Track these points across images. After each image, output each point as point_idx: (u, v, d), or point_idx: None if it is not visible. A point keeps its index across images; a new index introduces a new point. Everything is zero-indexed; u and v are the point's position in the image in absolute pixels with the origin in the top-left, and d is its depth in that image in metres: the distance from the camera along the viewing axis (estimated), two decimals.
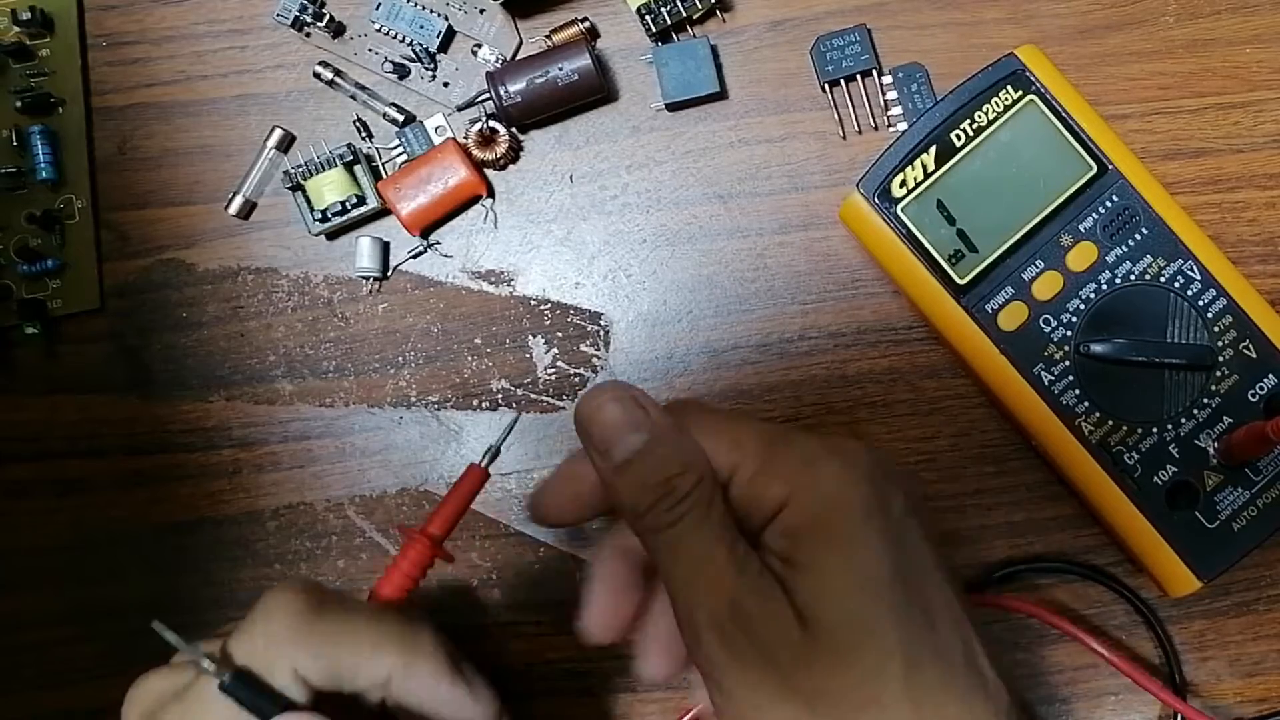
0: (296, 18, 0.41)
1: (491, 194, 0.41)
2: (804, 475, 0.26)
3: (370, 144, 0.41)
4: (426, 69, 0.41)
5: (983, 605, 0.38)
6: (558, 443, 0.40)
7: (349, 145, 0.40)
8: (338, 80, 0.41)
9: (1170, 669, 0.38)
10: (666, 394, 0.40)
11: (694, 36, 0.41)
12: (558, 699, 0.39)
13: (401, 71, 0.41)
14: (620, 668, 0.39)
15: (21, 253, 0.40)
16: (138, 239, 0.42)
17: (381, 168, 0.41)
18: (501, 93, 0.39)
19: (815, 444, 0.27)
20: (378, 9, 0.41)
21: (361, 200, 0.40)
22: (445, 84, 0.42)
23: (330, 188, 0.40)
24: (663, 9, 0.40)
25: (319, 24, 0.41)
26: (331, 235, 0.41)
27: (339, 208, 0.40)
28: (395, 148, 0.41)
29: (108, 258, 0.42)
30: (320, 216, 0.40)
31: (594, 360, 0.41)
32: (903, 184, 0.36)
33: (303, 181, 0.40)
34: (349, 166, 0.40)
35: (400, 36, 0.41)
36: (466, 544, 0.40)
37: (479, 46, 0.42)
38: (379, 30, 0.41)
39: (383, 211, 0.41)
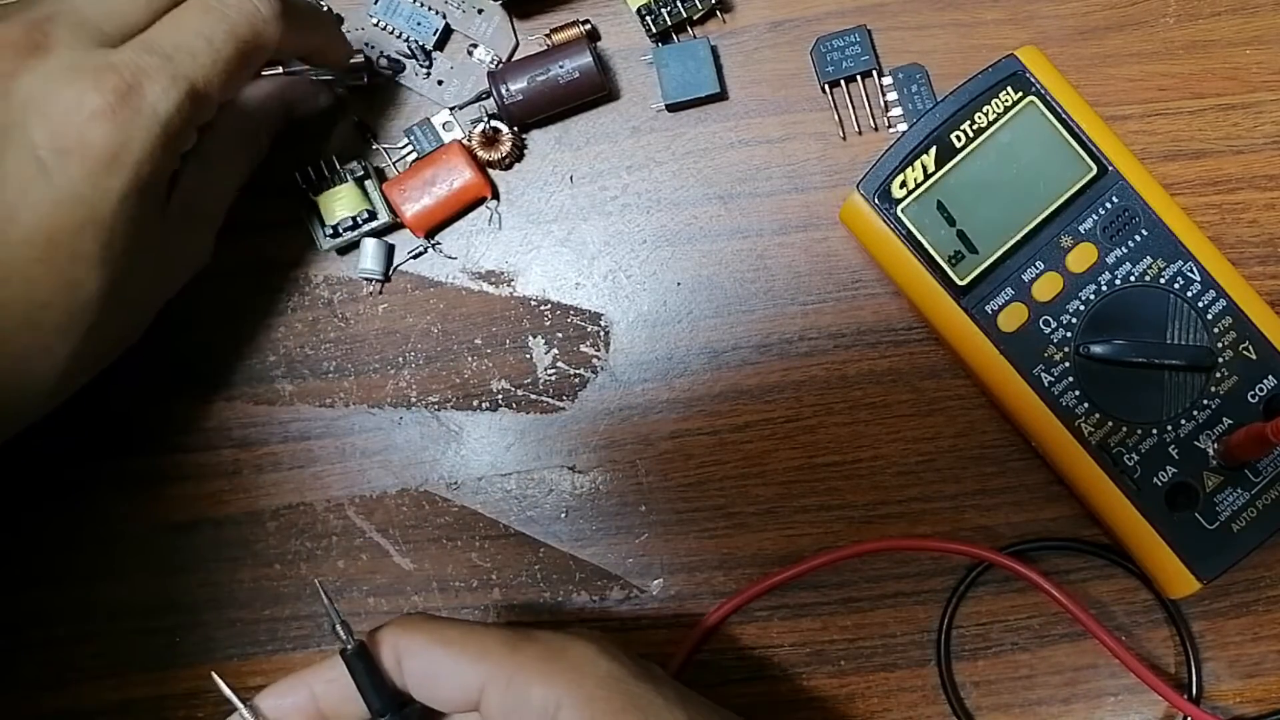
0: None
1: (496, 196, 0.41)
2: (569, 672, 0.29)
3: (376, 145, 0.41)
4: (422, 66, 0.41)
5: (996, 565, 0.38)
6: (558, 443, 0.40)
7: (359, 160, 0.40)
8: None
9: (1189, 668, 0.38)
10: (666, 394, 0.40)
11: (694, 37, 0.41)
12: None
13: (396, 68, 0.41)
14: None
15: None
16: None
17: (392, 166, 0.41)
18: (503, 91, 0.39)
19: (554, 637, 0.30)
20: (376, 4, 0.41)
21: (373, 215, 0.40)
22: (440, 82, 0.42)
23: (341, 203, 0.40)
24: (663, 10, 0.40)
25: None
26: (342, 250, 0.41)
27: (350, 223, 0.40)
28: (404, 146, 0.41)
29: None
30: (331, 231, 0.40)
31: (594, 360, 0.41)
32: (903, 185, 0.36)
33: (313, 197, 0.40)
34: (360, 181, 0.40)
35: (397, 32, 0.41)
36: (466, 544, 0.40)
37: (475, 46, 0.42)
38: (376, 25, 0.41)
39: (395, 225, 0.41)
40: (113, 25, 0.30)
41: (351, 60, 0.40)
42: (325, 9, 0.40)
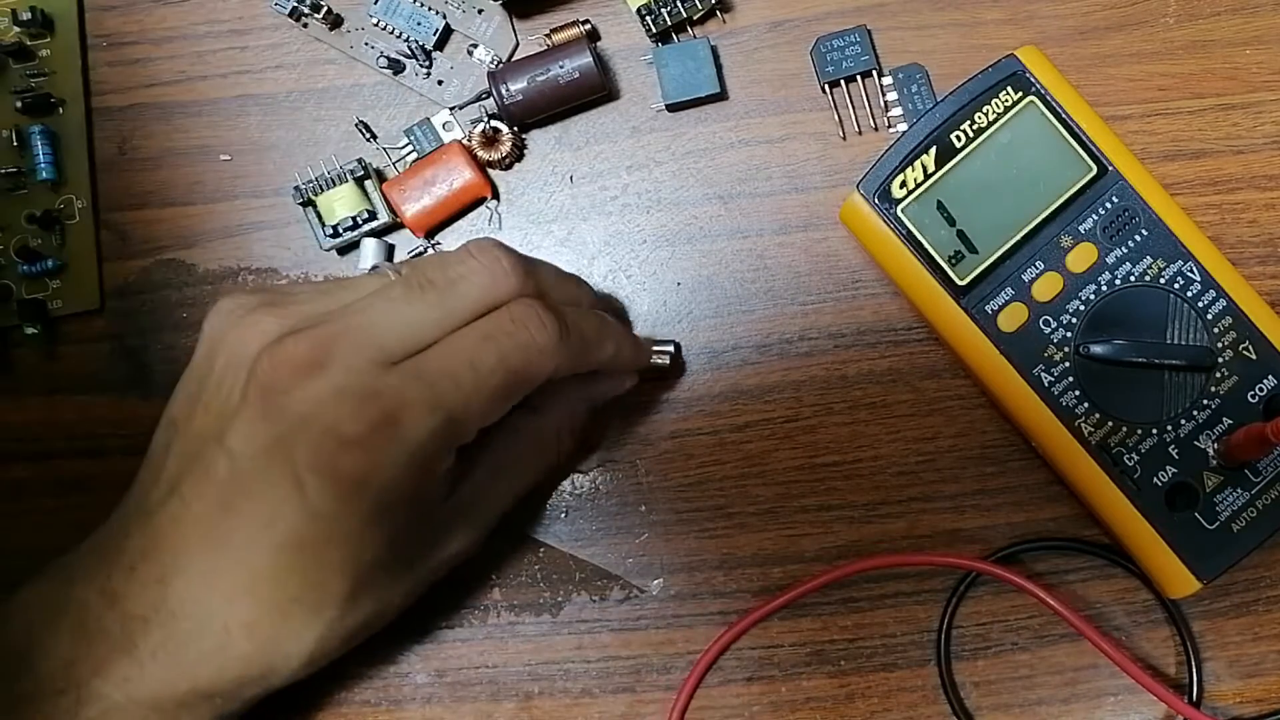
0: (294, 8, 0.41)
1: (496, 196, 0.41)
2: None
3: (376, 145, 0.41)
4: (421, 66, 0.41)
5: (988, 575, 0.38)
6: None
7: (359, 160, 0.40)
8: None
9: (1189, 668, 0.38)
10: (666, 395, 0.40)
11: (694, 37, 0.41)
12: (557, 699, 0.39)
13: (396, 67, 0.41)
14: (620, 668, 0.39)
15: (21, 253, 0.40)
16: (138, 239, 0.42)
17: (392, 166, 0.41)
18: (503, 91, 0.39)
19: None
20: (376, 4, 0.41)
21: (373, 215, 0.40)
22: (440, 82, 0.42)
23: (341, 203, 0.40)
24: (663, 9, 0.40)
25: (316, 15, 0.41)
26: (342, 250, 0.41)
27: (350, 223, 0.40)
28: (404, 146, 0.41)
29: (108, 258, 0.42)
30: (331, 232, 0.40)
31: None
32: (903, 185, 0.36)
33: (313, 197, 0.40)
34: (359, 181, 0.40)
35: (397, 32, 0.41)
36: None
37: (475, 46, 0.42)
38: (376, 24, 0.41)
39: (394, 225, 0.41)
40: (398, 345, 0.30)
41: (654, 359, 0.39)
42: (613, 320, 0.37)
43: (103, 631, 0.31)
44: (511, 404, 0.32)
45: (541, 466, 0.38)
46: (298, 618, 0.31)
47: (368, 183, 0.41)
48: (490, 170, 0.41)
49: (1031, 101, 0.36)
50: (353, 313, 0.31)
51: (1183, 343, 0.36)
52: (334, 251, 0.41)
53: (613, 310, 0.40)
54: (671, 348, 0.39)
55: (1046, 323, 0.36)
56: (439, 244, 0.41)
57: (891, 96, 0.41)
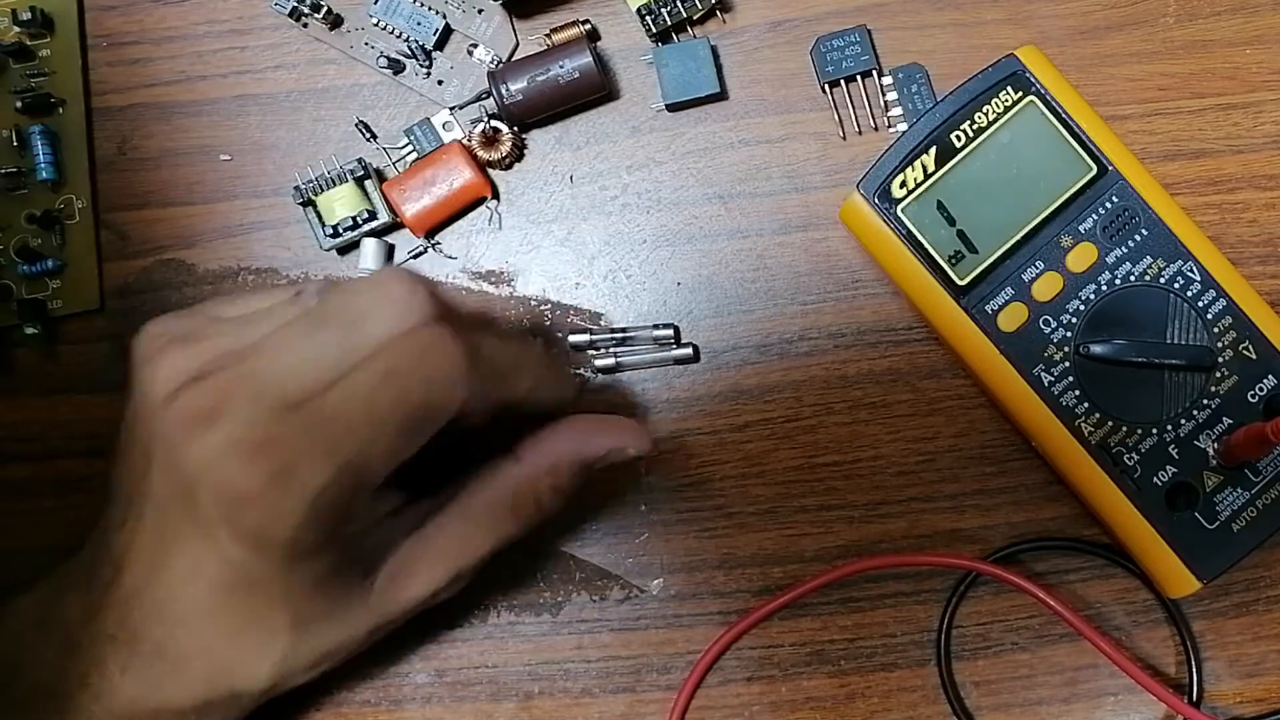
0: (294, 8, 0.41)
1: (496, 196, 0.41)
2: None
3: (376, 145, 0.41)
4: (421, 66, 0.41)
5: (987, 575, 0.38)
6: None
7: (359, 160, 0.40)
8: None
9: (1189, 668, 0.38)
10: (666, 395, 0.40)
11: (694, 37, 0.41)
12: (558, 699, 0.39)
13: (396, 67, 0.41)
14: (620, 668, 0.39)
15: (21, 253, 0.40)
16: (138, 239, 0.42)
17: (392, 166, 0.41)
18: (503, 91, 0.39)
19: None
20: (376, 4, 0.41)
21: (373, 215, 0.40)
22: (440, 82, 0.42)
23: (341, 203, 0.40)
24: (663, 9, 0.40)
25: (316, 15, 0.41)
26: (343, 250, 0.41)
27: (350, 223, 0.40)
28: (404, 146, 0.41)
29: (108, 258, 0.42)
30: (331, 231, 0.40)
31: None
32: (903, 185, 0.36)
33: (313, 197, 0.40)
34: (359, 181, 0.40)
35: (397, 32, 0.41)
36: None
37: (475, 46, 0.42)
38: (376, 24, 0.41)
39: (394, 225, 0.41)
40: (297, 388, 0.29)
41: (576, 385, 0.37)
42: (537, 351, 0.36)
43: (80, 645, 0.31)
44: (424, 439, 0.30)
45: (522, 520, 0.35)
46: (250, 644, 0.31)
47: (368, 183, 0.41)
48: (490, 170, 0.41)
49: (1031, 101, 0.36)
50: (254, 355, 0.29)
51: (1183, 343, 0.36)
52: (334, 251, 0.41)
53: (546, 339, 0.39)
54: (670, 331, 0.40)
55: (1046, 322, 0.36)
56: (439, 244, 0.41)
57: (891, 96, 0.41)
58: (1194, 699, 0.38)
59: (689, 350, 0.40)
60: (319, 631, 0.32)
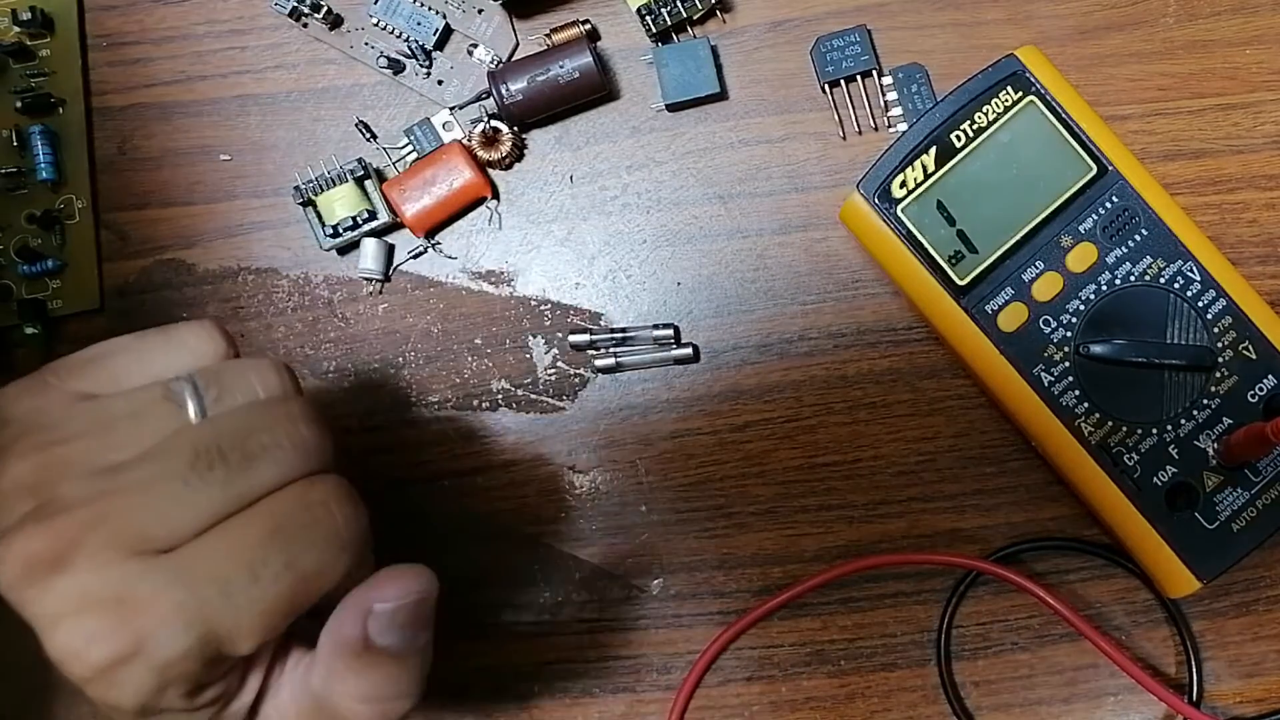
0: (294, 8, 0.41)
1: (496, 196, 0.41)
2: None
3: (376, 145, 0.41)
4: (421, 66, 0.41)
5: (990, 575, 0.38)
6: (558, 443, 0.40)
7: (359, 160, 0.40)
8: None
9: (1189, 668, 0.38)
10: (666, 395, 0.40)
11: (694, 37, 0.41)
12: (558, 699, 0.39)
13: (396, 67, 0.41)
14: (620, 668, 0.39)
15: (21, 253, 0.40)
16: (138, 239, 0.42)
17: (392, 166, 0.41)
18: (503, 91, 0.39)
19: None
20: (376, 4, 0.41)
21: (373, 215, 0.40)
22: (440, 82, 0.42)
23: (341, 203, 0.40)
24: (663, 9, 0.40)
25: (316, 15, 0.41)
26: (343, 250, 0.41)
27: (350, 223, 0.40)
28: (404, 146, 0.41)
29: (108, 258, 0.42)
30: (331, 232, 0.40)
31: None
32: (903, 185, 0.36)
33: (313, 197, 0.40)
34: (359, 181, 0.40)
35: (397, 32, 0.41)
36: (466, 543, 0.40)
37: (475, 46, 0.42)
38: (376, 24, 0.41)
39: (394, 225, 0.41)
40: (164, 532, 0.24)
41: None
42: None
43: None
44: (295, 617, 0.25)
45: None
46: None
47: (368, 183, 0.41)
48: (490, 170, 0.41)
49: (1031, 101, 0.36)
50: (116, 490, 0.24)
51: (1183, 343, 0.36)
52: (334, 251, 0.41)
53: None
54: (670, 331, 0.40)
55: (1046, 322, 0.36)
56: (439, 244, 0.41)
57: (891, 96, 0.41)
58: (1194, 699, 0.38)
59: (689, 350, 0.40)
60: None
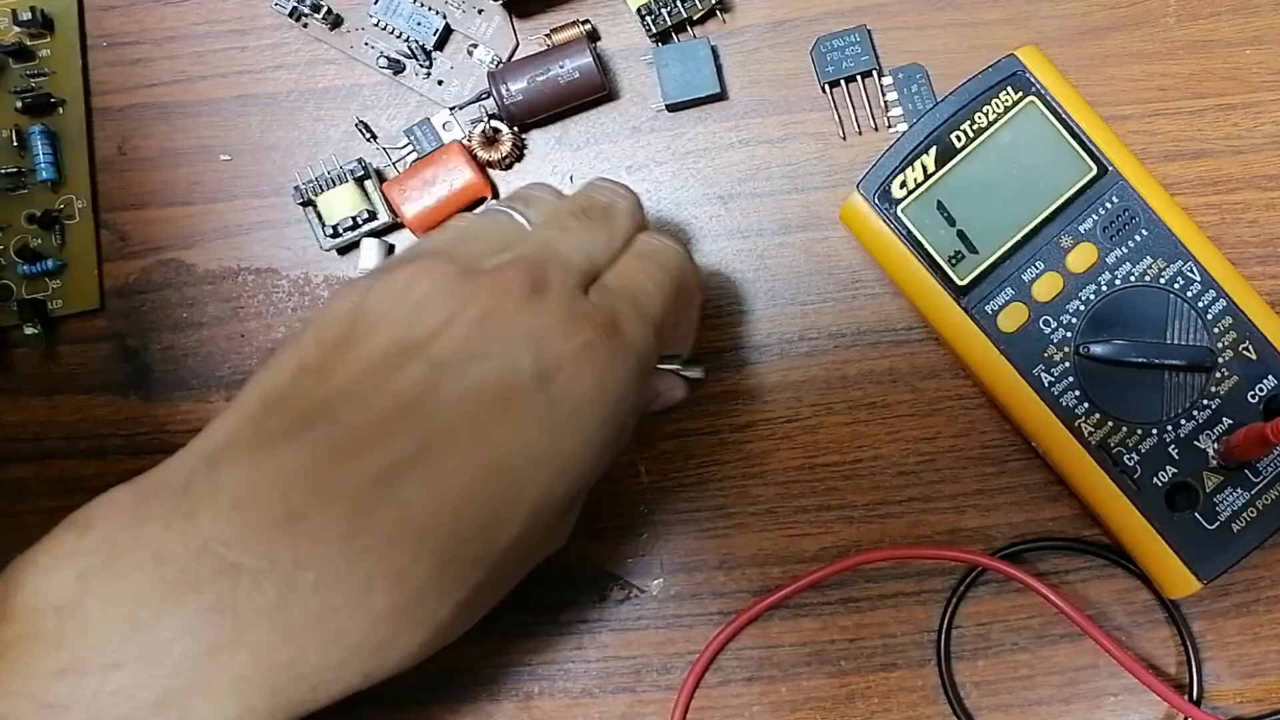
0: (294, 8, 0.41)
1: (496, 196, 0.41)
2: None
3: (376, 145, 0.41)
4: (421, 66, 0.41)
5: (990, 569, 0.38)
6: None
7: (359, 160, 0.40)
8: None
9: (1189, 668, 0.38)
10: None
11: (694, 37, 0.41)
12: (557, 699, 0.39)
13: (396, 67, 0.41)
14: (620, 668, 0.39)
15: (21, 253, 0.40)
16: (138, 239, 0.42)
17: (392, 166, 0.41)
18: (503, 91, 0.39)
19: None
20: (376, 4, 0.41)
21: (373, 215, 0.40)
22: (440, 82, 0.42)
23: (341, 203, 0.40)
24: (663, 10, 0.40)
25: (317, 15, 0.41)
26: (343, 250, 0.41)
27: (350, 223, 0.40)
28: (404, 146, 0.41)
29: (108, 258, 0.42)
30: (331, 232, 0.40)
31: None
32: (903, 185, 0.36)
33: (313, 197, 0.40)
34: (360, 181, 0.40)
35: (397, 32, 0.41)
36: None
37: (475, 46, 0.42)
38: (376, 24, 0.41)
39: (394, 225, 0.41)
40: (589, 268, 0.31)
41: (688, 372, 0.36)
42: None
43: None
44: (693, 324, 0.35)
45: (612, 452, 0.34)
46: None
47: (368, 183, 0.41)
48: (490, 170, 0.41)
49: (1031, 101, 0.36)
50: (543, 245, 0.31)
51: (1183, 343, 0.36)
52: (334, 251, 0.41)
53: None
54: (700, 373, 0.37)
55: (1046, 323, 0.36)
56: None
57: (891, 96, 0.41)
58: (1194, 699, 0.38)
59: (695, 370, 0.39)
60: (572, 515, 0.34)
